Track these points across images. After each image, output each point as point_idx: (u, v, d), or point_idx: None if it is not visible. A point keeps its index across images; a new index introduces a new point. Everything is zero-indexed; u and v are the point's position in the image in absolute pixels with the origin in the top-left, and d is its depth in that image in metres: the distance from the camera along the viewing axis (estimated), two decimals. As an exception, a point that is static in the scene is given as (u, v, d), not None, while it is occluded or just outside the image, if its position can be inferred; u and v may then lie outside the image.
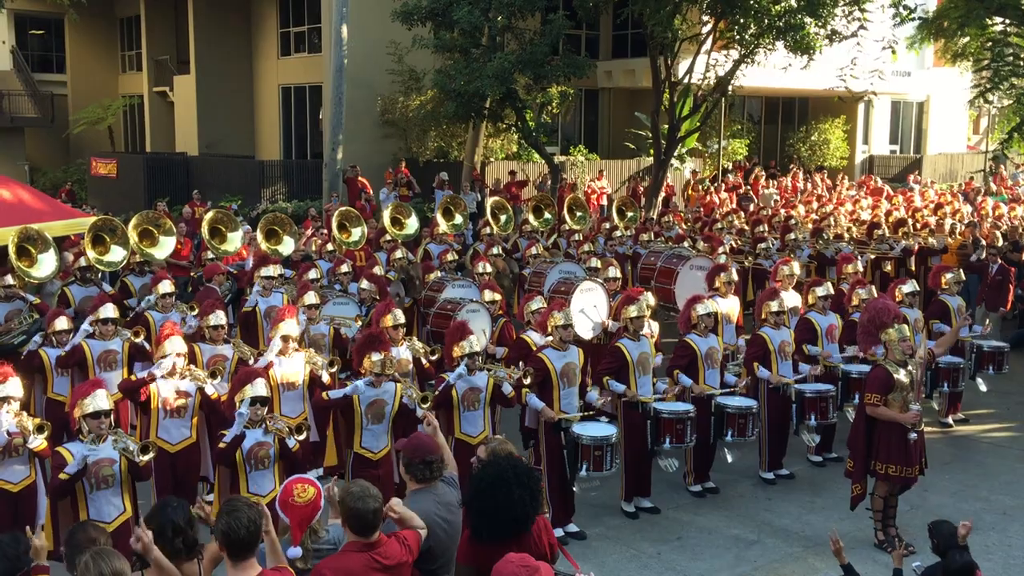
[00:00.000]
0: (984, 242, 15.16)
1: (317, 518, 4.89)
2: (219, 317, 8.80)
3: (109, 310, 8.92)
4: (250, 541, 4.34)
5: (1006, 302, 14.20)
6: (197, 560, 4.77)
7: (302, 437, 6.82)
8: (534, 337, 9.00)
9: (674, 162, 24.28)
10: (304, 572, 4.72)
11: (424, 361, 8.72)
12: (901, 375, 7.70)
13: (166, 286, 10.18)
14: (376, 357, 7.52)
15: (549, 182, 22.27)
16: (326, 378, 8.43)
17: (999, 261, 14.19)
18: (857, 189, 26.38)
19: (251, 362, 8.58)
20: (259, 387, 6.73)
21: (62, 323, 8.93)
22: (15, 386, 6.59)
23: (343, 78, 21.23)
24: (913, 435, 7.64)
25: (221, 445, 6.68)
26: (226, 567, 4.39)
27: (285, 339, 8.34)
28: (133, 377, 7.72)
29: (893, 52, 19.17)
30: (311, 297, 9.73)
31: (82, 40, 33.24)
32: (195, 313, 9.45)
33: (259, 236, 13.23)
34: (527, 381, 7.88)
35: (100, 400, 6.27)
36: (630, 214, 17.10)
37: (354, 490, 4.63)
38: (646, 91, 24.48)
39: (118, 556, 4.15)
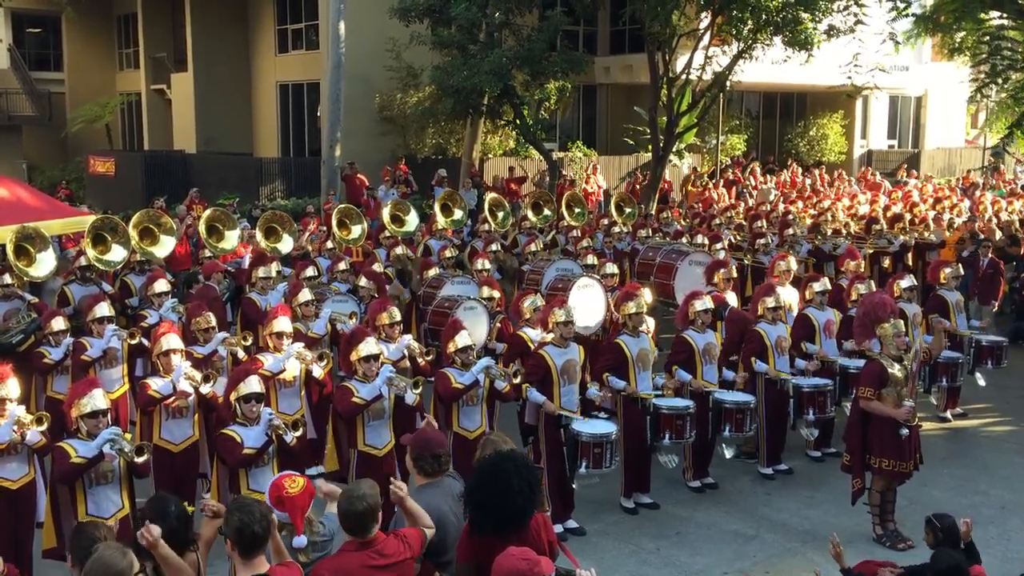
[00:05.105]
0: (982, 237, 15.15)
1: (311, 508, 4.93)
2: (209, 320, 8.81)
3: (104, 309, 9.07)
4: (263, 536, 4.38)
5: (996, 296, 14.20)
6: (194, 551, 4.85)
7: (299, 432, 6.83)
8: (531, 334, 9.01)
9: (672, 158, 24.24)
10: (306, 565, 4.75)
11: (420, 360, 8.71)
12: (896, 370, 7.71)
13: (161, 285, 10.24)
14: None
15: (547, 178, 22.25)
16: (318, 373, 8.44)
17: (990, 255, 14.17)
18: (856, 184, 26.37)
19: (241, 355, 8.57)
20: (252, 384, 6.73)
21: (59, 323, 8.97)
22: (12, 386, 6.57)
23: (341, 75, 21.22)
24: (905, 431, 7.63)
25: (249, 451, 6.54)
26: (235, 566, 4.40)
27: (279, 336, 8.34)
28: (154, 393, 7.49)
29: (896, 44, 19.08)
30: (305, 295, 9.74)
31: (79, 38, 33.18)
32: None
33: (258, 234, 13.25)
34: (517, 380, 7.87)
35: (97, 399, 6.25)
36: (628, 210, 17.09)
37: (349, 489, 4.72)
38: (644, 87, 24.44)
39: (125, 552, 4.18)
